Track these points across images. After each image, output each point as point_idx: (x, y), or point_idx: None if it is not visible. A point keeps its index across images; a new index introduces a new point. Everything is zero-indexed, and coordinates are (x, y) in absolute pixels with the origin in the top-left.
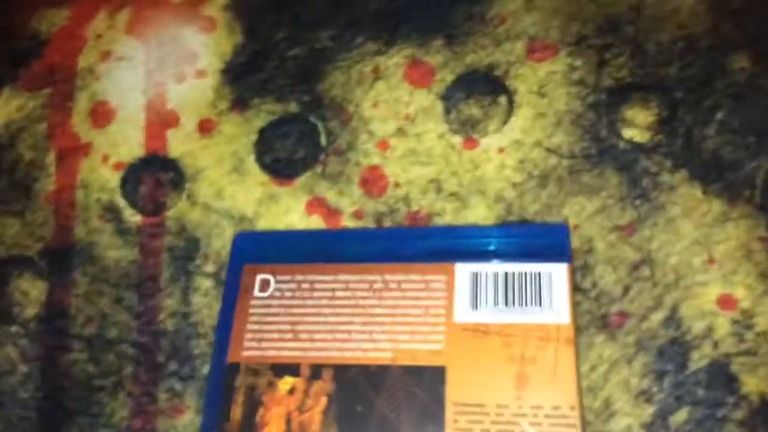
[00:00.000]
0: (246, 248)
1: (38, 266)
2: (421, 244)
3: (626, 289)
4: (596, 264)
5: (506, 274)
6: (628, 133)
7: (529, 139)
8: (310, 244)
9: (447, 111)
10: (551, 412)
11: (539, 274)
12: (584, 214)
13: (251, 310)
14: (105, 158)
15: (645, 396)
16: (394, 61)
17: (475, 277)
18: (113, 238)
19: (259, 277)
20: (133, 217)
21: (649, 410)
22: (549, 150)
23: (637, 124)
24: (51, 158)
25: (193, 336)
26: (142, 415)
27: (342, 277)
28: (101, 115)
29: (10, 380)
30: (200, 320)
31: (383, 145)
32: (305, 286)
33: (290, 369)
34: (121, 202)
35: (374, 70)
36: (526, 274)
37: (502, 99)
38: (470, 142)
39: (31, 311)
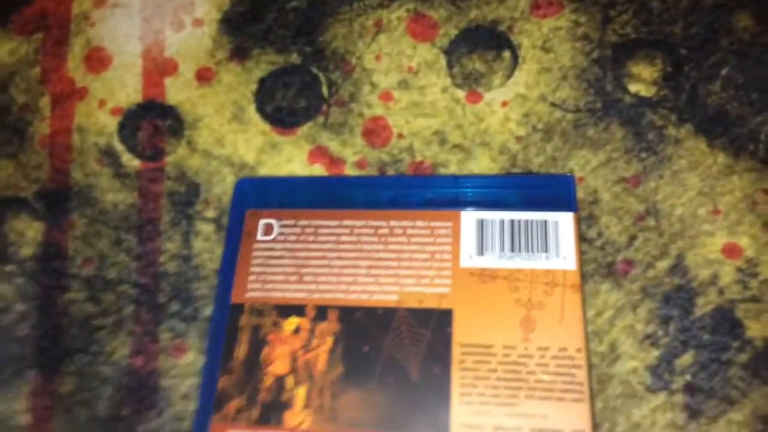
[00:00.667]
0: (248, 194)
1: (34, 208)
2: (426, 193)
3: (632, 239)
4: (601, 214)
5: (512, 221)
6: (633, 87)
7: (533, 93)
8: (313, 190)
9: (450, 65)
10: (558, 354)
11: (545, 222)
12: (589, 167)
13: (255, 253)
14: (102, 103)
15: (650, 340)
16: (396, 14)
17: (481, 224)
18: (111, 182)
19: (262, 222)
20: (131, 162)
21: (655, 353)
22: (553, 104)
23: (643, 79)
24: (45, 102)
25: (195, 279)
26: (144, 354)
27: (347, 222)
28: (97, 60)
29: (5, 317)
30: (202, 263)
31: (386, 96)
32: (309, 230)
33: (295, 309)
34: (119, 147)
35: (376, 24)
36: (531, 222)
37: (506, 54)
38: (474, 96)
39: (27, 251)
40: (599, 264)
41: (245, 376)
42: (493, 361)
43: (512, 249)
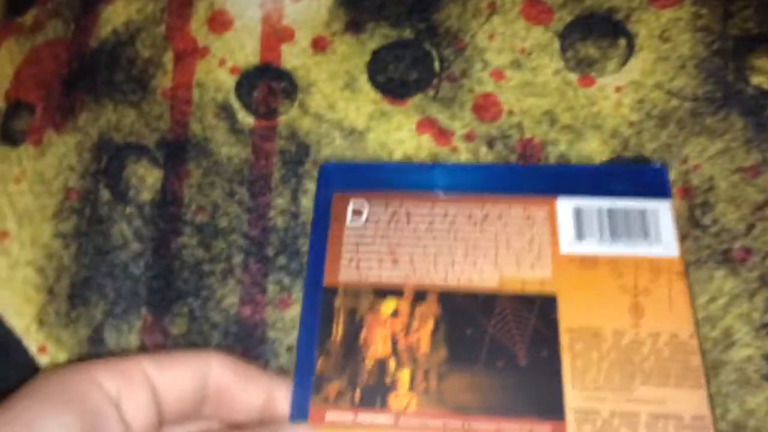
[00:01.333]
0: (333, 177)
1: (154, 155)
2: (518, 180)
3: (750, 227)
4: (717, 202)
5: (609, 209)
6: (756, 79)
7: (649, 81)
8: (402, 175)
9: (564, 49)
10: (670, 340)
11: (644, 210)
12: (705, 155)
13: (345, 237)
14: (221, 62)
15: (767, 329)
16: None
17: (578, 211)
18: (227, 136)
19: (351, 206)
20: (246, 119)
21: None
22: (670, 92)
23: (766, 72)
24: (168, 57)
25: (302, 235)
26: (252, 304)
27: (439, 208)
28: (219, 23)
29: (122, 255)
30: (308, 221)
31: (498, 75)
32: (401, 214)
33: (392, 292)
34: (236, 104)
35: (490, 6)
36: (629, 210)
37: (622, 41)
38: (587, 80)
39: (146, 195)
40: (714, 250)
41: (344, 358)
42: (604, 346)
43: (612, 236)
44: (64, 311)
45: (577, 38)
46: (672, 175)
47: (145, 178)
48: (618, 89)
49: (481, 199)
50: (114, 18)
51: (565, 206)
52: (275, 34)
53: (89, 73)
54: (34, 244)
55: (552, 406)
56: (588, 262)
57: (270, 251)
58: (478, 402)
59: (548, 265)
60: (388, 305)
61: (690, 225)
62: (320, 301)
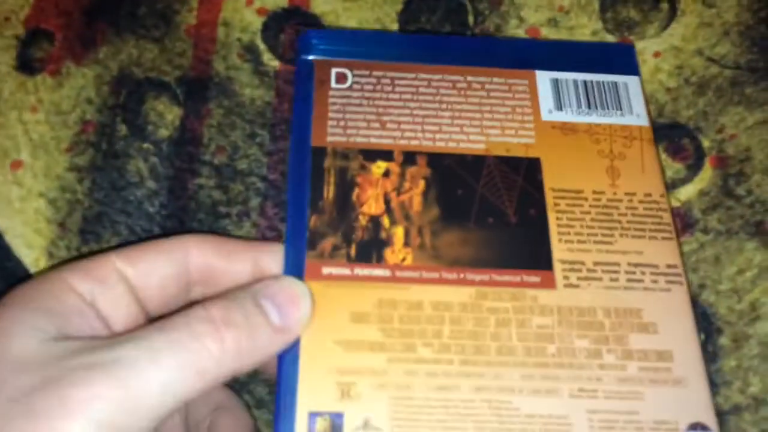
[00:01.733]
0: (314, 44)
1: (175, 92)
2: (500, 53)
3: None
4: (753, 173)
5: (585, 81)
6: None
7: (690, 46)
8: (384, 45)
9: (603, 9)
10: (644, 198)
11: (615, 83)
12: (743, 125)
13: (330, 100)
14: (249, 2)
15: None
16: None
17: (556, 82)
18: (251, 78)
19: (334, 71)
20: (271, 62)
21: None
22: (710, 59)
23: None
24: None
25: None
26: None
27: (423, 75)
28: None
29: (137, 192)
30: None
31: (533, 32)
32: (385, 81)
33: (381, 154)
34: (261, 46)
35: None
36: (603, 83)
37: (664, 5)
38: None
39: (164, 132)
40: (746, 221)
41: (337, 215)
42: (585, 204)
43: (588, 106)
44: (75, 246)
45: None
46: (706, 143)
47: (164, 115)
48: (657, 54)
49: (464, 69)
50: None
51: (544, 77)
52: None
53: (112, 4)
54: (47, 176)
55: (540, 258)
56: (567, 129)
57: (287, 201)
58: (472, 255)
59: (531, 131)
60: (380, 166)
61: (723, 194)
62: (309, 161)
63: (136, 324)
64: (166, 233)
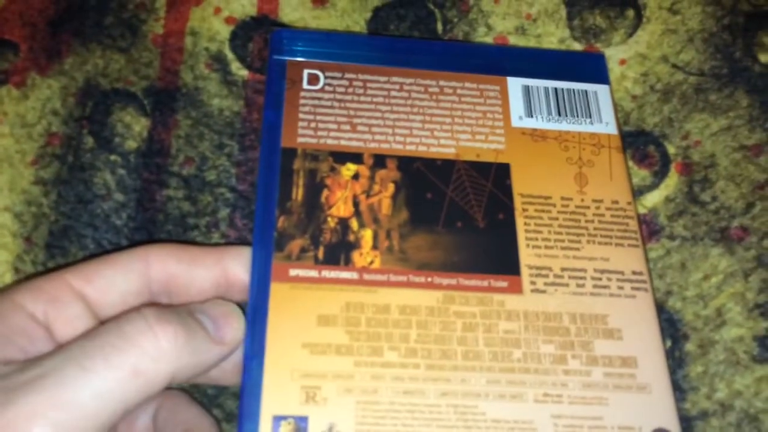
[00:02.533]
0: (286, 45)
1: (142, 103)
2: (472, 59)
3: (749, 206)
4: (717, 179)
5: (555, 89)
6: (764, 57)
7: (655, 53)
8: (357, 47)
9: (570, 17)
10: (611, 206)
11: (585, 91)
12: (708, 131)
13: (302, 101)
14: (217, 11)
15: (760, 310)
16: None
17: (527, 89)
18: (219, 87)
19: (306, 72)
20: (239, 71)
21: (764, 324)
22: (675, 66)
23: None
24: (161, 3)
25: None
26: None
27: (395, 78)
28: None
29: (104, 205)
30: None
31: (501, 40)
32: (357, 83)
33: (351, 157)
34: (229, 55)
35: None
36: (573, 90)
37: (630, 12)
38: (591, 51)
39: (132, 144)
40: (711, 227)
41: (306, 217)
42: (553, 210)
43: (558, 113)
44: (41, 260)
45: (585, 6)
46: (671, 150)
47: (132, 126)
48: (622, 62)
49: (436, 74)
50: None
51: (515, 84)
52: None
53: (77, 15)
54: (12, 190)
55: (508, 263)
56: (537, 136)
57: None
58: (440, 259)
59: (501, 137)
60: (349, 168)
61: (688, 200)
62: (278, 162)
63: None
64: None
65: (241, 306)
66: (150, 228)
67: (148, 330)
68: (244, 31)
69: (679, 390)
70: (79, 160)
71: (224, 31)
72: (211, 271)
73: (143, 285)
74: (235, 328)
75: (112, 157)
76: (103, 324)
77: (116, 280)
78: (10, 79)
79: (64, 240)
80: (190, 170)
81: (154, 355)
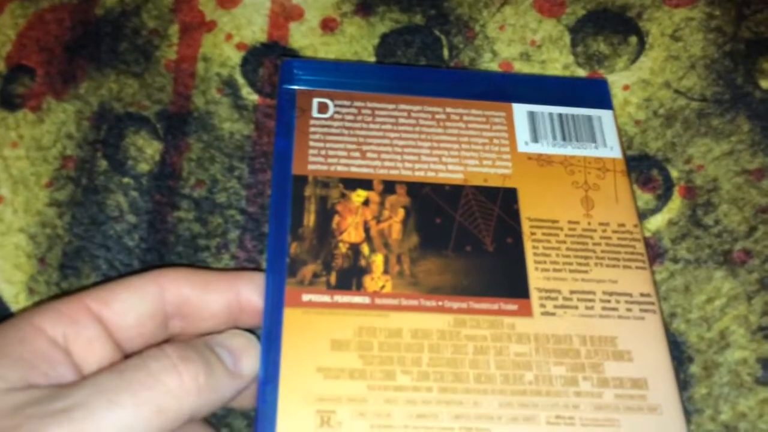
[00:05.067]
0: (295, 74)
1: (155, 127)
2: (478, 86)
3: (752, 230)
4: (720, 203)
5: (560, 114)
6: (765, 83)
7: (658, 79)
8: (367, 75)
9: (574, 43)
10: (618, 229)
11: (590, 117)
12: (710, 156)
13: (312, 129)
14: (228, 37)
15: (764, 332)
16: None
17: (532, 115)
18: (230, 112)
19: (315, 100)
20: (250, 96)
21: (767, 346)
22: (678, 91)
23: None
24: (174, 30)
25: None
26: None
27: (403, 106)
28: None
29: (117, 226)
30: None
31: (506, 66)
32: (366, 111)
33: (361, 183)
34: (240, 80)
35: None
36: (577, 116)
37: (633, 39)
38: (595, 77)
39: (144, 167)
40: (714, 251)
41: (318, 243)
42: (561, 234)
43: (564, 138)
44: (55, 281)
45: (588, 33)
46: (674, 174)
47: (144, 150)
48: (626, 87)
49: (443, 101)
50: None
51: (521, 110)
52: (284, 12)
53: (93, 40)
54: (27, 212)
55: (518, 286)
56: (543, 160)
57: (267, 228)
58: (450, 283)
59: (508, 162)
60: (360, 195)
61: (691, 224)
62: (290, 189)
63: (112, 365)
64: (145, 267)
65: (253, 331)
66: (161, 249)
67: (172, 368)
68: (255, 57)
69: (684, 412)
70: (92, 182)
71: (235, 57)
72: (224, 295)
73: (158, 308)
74: (252, 360)
75: (125, 180)
76: (128, 358)
77: (133, 303)
78: (26, 103)
79: (77, 261)
80: (201, 192)
81: (178, 393)
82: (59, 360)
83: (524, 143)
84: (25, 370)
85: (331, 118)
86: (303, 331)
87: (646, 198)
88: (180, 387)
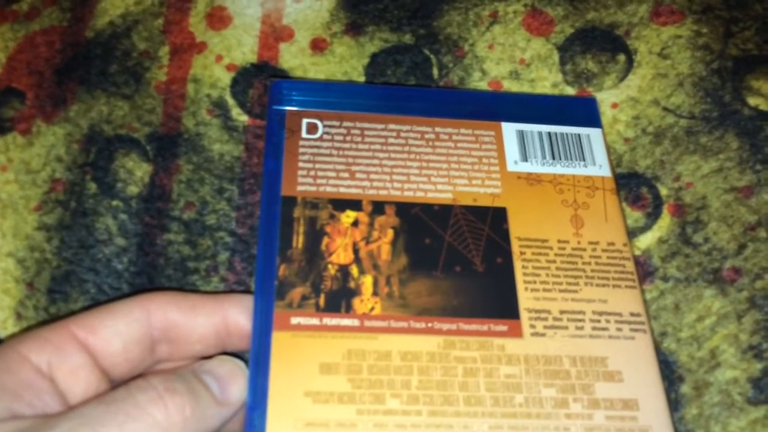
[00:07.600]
0: (284, 95)
1: (145, 149)
2: (467, 105)
3: (741, 247)
4: (709, 221)
5: (549, 133)
6: (753, 101)
7: (646, 97)
8: (356, 95)
9: (563, 62)
10: (607, 247)
11: (579, 135)
12: (699, 174)
13: (301, 150)
14: (218, 58)
15: (754, 351)
16: (513, 8)
17: (521, 134)
18: (220, 133)
19: (305, 121)
20: (240, 117)
21: (758, 366)
22: (666, 109)
23: (763, 94)
24: (164, 51)
25: None
26: None
27: (392, 126)
28: (218, 19)
29: (106, 250)
30: None
31: (496, 84)
32: (355, 132)
33: (350, 204)
34: (230, 101)
35: (492, 15)
36: (567, 134)
37: (621, 57)
38: (584, 95)
39: (134, 189)
40: (704, 269)
41: (307, 264)
42: (550, 253)
43: (553, 157)
44: (43, 306)
45: (577, 51)
46: (664, 192)
47: (134, 172)
48: (614, 105)
49: (432, 120)
50: (111, 9)
51: (510, 129)
52: (274, 33)
53: (83, 63)
54: (16, 236)
55: (507, 307)
56: (533, 179)
57: (257, 250)
58: (440, 304)
59: (497, 181)
60: (349, 216)
61: (681, 242)
62: (279, 211)
63: (97, 393)
64: (134, 290)
65: (240, 355)
66: (150, 272)
67: (159, 400)
68: (245, 78)
69: None
70: (81, 205)
71: (225, 78)
72: (212, 318)
73: (145, 333)
74: (240, 387)
75: (114, 203)
76: (115, 389)
77: (119, 329)
78: (16, 126)
79: (66, 285)
80: (190, 214)
81: (165, 426)
82: (44, 389)
83: (513, 162)
84: (9, 401)
85: (321, 139)
86: (291, 355)
87: (635, 216)
88: (167, 419)
